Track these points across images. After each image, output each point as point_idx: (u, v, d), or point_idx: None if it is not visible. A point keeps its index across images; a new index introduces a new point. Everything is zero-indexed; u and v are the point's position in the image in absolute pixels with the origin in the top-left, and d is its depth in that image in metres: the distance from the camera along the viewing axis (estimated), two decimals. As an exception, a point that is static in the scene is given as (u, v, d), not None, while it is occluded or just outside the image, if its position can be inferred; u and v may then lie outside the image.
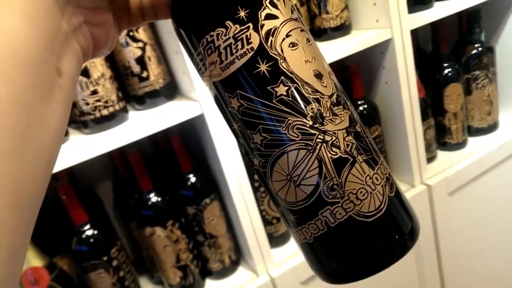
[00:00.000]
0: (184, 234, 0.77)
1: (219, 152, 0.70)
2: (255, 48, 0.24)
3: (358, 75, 0.87)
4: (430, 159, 1.01)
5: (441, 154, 1.05)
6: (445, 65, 0.99)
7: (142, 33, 0.70)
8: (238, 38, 0.24)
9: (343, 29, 0.84)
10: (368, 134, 0.28)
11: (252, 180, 0.75)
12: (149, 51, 0.71)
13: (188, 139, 0.78)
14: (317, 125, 0.25)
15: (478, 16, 0.97)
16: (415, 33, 0.96)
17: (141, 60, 0.71)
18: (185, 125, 0.70)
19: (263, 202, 0.82)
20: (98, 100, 0.66)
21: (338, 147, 0.25)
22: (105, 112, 0.66)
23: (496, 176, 1.02)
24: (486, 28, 1.02)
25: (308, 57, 0.25)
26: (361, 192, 0.25)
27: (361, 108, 0.89)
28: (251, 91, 0.25)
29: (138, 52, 0.70)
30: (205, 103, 0.67)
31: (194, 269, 0.80)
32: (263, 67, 0.25)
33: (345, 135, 0.25)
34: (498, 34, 1.05)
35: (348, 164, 0.25)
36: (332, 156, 0.25)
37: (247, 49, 0.24)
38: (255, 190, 0.78)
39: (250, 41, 0.24)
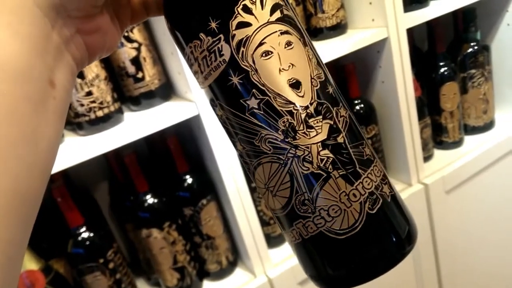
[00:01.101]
0: (181, 235, 0.77)
1: (215, 152, 0.70)
2: (227, 60, 0.24)
3: (354, 75, 0.87)
4: (427, 158, 1.01)
5: (438, 153, 1.05)
6: (441, 64, 0.99)
7: (137, 34, 0.70)
8: (211, 50, 0.24)
9: (339, 29, 0.84)
10: (359, 142, 0.25)
11: (249, 181, 0.75)
12: (144, 52, 0.70)
13: (184, 140, 0.78)
14: (289, 139, 0.24)
15: (474, 14, 0.97)
16: (411, 32, 0.96)
17: (136, 61, 0.70)
18: (181, 126, 0.69)
19: (260, 203, 0.82)
20: (93, 102, 0.65)
21: (311, 162, 0.24)
22: (100, 113, 0.66)
23: (493, 174, 1.03)
24: (481, 26, 1.02)
25: (284, 65, 0.24)
26: (333, 209, 0.24)
27: (357, 107, 0.89)
28: (226, 103, 0.25)
29: (133, 53, 0.70)
30: (201, 103, 0.67)
31: (192, 270, 0.80)
32: (235, 80, 0.24)
33: (320, 149, 0.24)
34: (493, 33, 1.06)
35: (321, 180, 0.24)
36: (303, 172, 0.24)
37: (220, 61, 0.24)
38: (252, 190, 0.78)
39: (222, 53, 0.24)
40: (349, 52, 0.78)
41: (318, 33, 0.84)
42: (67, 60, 0.22)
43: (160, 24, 0.69)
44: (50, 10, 0.20)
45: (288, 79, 0.24)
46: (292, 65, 0.24)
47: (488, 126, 1.07)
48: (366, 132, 0.90)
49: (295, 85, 0.24)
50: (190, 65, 0.26)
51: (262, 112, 0.24)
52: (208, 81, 0.25)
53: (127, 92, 0.73)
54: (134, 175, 0.73)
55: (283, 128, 0.24)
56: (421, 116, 0.95)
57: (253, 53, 0.23)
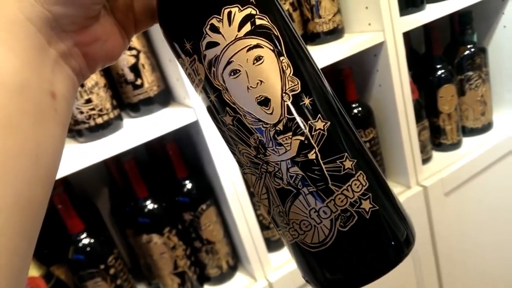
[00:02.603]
0: (181, 240, 0.77)
1: (214, 158, 0.70)
2: (203, 79, 0.25)
3: (351, 78, 0.88)
4: (425, 160, 1.01)
5: (436, 155, 1.05)
6: (438, 66, 0.99)
7: (135, 41, 0.70)
8: (191, 69, 0.25)
9: (336, 33, 0.84)
10: (334, 158, 0.24)
11: (248, 185, 0.76)
12: (142, 59, 0.71)
13: (183, 146, 0.78)
14: (260, 155, 0.24)
15: (470, 17, 0.98)
16: (407, 35, 0.97)
17: (135, 68, 0.71)
18: (180, 131, 0.70)
19: (260, 207, 0.83)
20: (93, 109, 0.66)
21: (281, 179, 0.24)
22: (99, 120, 0.66)
23: (492, 176, 1.03)
24: (478, 29, 1.03)
25: (252, 83, 0.23)
26: (304, 224, 0.24)
27: (355, 111, 0.90)
28: (211, 116, 0.27)
29: (132, 60, 0.70)
30: (200, 109, 0.67)
31: (192, 275, 0.80)
32: (212, 97, 0.25)
33: (290, 166, 0.24)
34: (490, 35, 1.06)
35: (291, 195, 0.24)
36: (275, 187, 0.25)
37: (198, 79, 0.25)
38: (251, 195, 0.78)
39: (198, 72, 0.25)
40: (346, 56, 0.79)
41: (315, 38, 0.85)
42: (67, 71, 0.22)
43: (158, 31, 0.69)
44: (43, 25, 0.20)
45: (256, 97, 0.23)
46: (261, 81, 0.23)
47: (486, 127, 1.08)
48: (364, 135, 0.90)
49: (264, 102, 0.23)
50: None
51: (235, 129, 0.25)
52: (197, 94, 0.27)
53: (126, 99, 0.74)
54: (134, 181, 0.73)
55: (254, 145, 0.24)
56: (419, 119, 0.96)
57: (222, 72, 0.24)
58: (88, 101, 0.65)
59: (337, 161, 0.24)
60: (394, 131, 0.90)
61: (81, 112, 0.65)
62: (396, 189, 0.95)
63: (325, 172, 0.24)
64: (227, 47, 0.23)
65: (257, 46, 0.23)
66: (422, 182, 0.95)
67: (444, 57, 1.00)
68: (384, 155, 0.96)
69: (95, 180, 0.88)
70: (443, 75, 0.99)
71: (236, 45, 0.23)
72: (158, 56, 0.75)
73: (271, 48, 0.24)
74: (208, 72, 0.24)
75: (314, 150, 0.23)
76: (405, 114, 0.88)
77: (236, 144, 0.25)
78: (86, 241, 0.70)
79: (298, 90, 0.24)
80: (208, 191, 0.78)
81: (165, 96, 0.75)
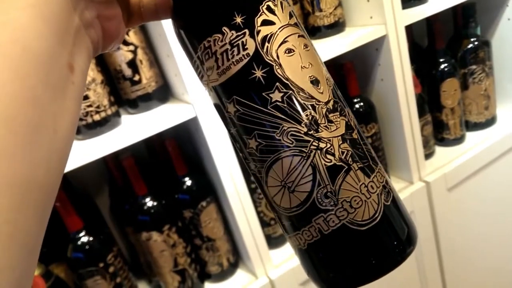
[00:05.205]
0: (181, 238, 0.77)
1: (214, 154, 0.69)
2: (250, 54, 0.24)
3: (353, 73, 0.86)
4: (428, 155, 1.00)
5: (439, 150, 1.04)
6: (441, 60, 0.98)
7: (133, 36, 0.69)
8: (234, 44, 0.25)
9: (337, 27, 0.83)
10: (366, 141, 0.27)
11: (248, 182, 0.75)
12: (140, 54, 0.70)
13: (183, 143, 0.77)
14: (312, 132, 0.24)
15: (473, 10, 0.96)
16: (410, 28, 0.96)
17: (132, 64, 0.70)
18: (179, 128, 0.69)
19: (261, 204, 0.82)
20: (90, 106, 0.65)
21: (333, 154, 0.25)
22: (97, 117, 0.66)
23: (495, 171, 1.02)
24: (481, 21, 1.01)
25: (305, 63, 0.25)
26: (355, 201, 0.25)
27: (357, 106, 0.88)
28: (246, 97, 0.25)
29: (130, 56, 0.69)
30: (198, 105, 0.67)
31: (193, 273, 0.79)
32: (258, 73, 0.25)
33: (341, 142, 0.25)
34: (493, 28, 1.05)
35: (343, 171, 0.25)
36: (326, 164, 0.24)
37: (243, 55, 0.25)
38: (252, 191, 0.77)
39: (246, 47, 0.24)
40: (348, 50, 0.77)
41: (316, 31, 0.84)
42: (86, 43, 0.22)
43: (156, 26, 0.68)
44: None
45: (309, 76, 0.25)
46: (311, 64, 0.26)
47: (490, 122, 1.06)
48: (366, 130, 0.89)
49: (315, 82, 0.25)
50: (201, 62, 0.26)
51: (285, 105, 0.24)
52: (225, 76, 0.25)
53: (124, 95, 0.73)
54: (133, 178, 0.73)
55: (306, 121, 0.24)
56: (421, 113, 0.94)
57: (277, 49, 0.25)
58: (85, 97, 0.64)
59: (368, 145, 0.27)
60: (396, 126, 0.89)
61: (78, 109, 0.64)
62: (398, 184, 0.94)
63: (365, 151, 0.26)
64: (282, 28, 0.25)
65: (303, 36, 0.26)
66: (424, 178, 0.94)
67: (447, 50, 0.99)
68: (386, 150, 0.95)
69: (94, 177, 0.87)
70: (446, 69, 0.98)
71: (289, 29, 0.25)
72: (155, 51, 0.74)
73: (310, 43, 0.27)
74: (261, 47, 0.24)
75: (355, 131, 0.26)
76: (407, 109, 0.87)
77: (280, 123, 0.25)
78: (85, 239, 0.69)
79: (333, 81, 0.27)
80: (208, 188, 0.78)
81: (164, 92, 0.74)
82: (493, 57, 1.02)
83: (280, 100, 0.24)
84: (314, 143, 0.24)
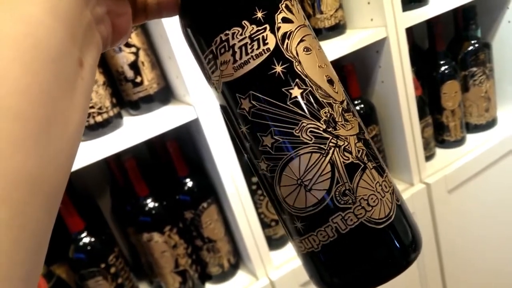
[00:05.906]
0: (182, 239, 0.77)
1: (215, 155, 0.70)
2: (271, 49, 0.24)
3: (354, 75, 0.87)
4: (429, 157, 1.01)
5: (440, 152, 1.04)
6: (442, 62, 0.98)
7: (134, 38, 0.70)
8: (255, 38, 0.24)
9: (337, 29, 0.83)
10: (373, 143, 0.28)
11: (249, 183, 0.75)
12: (142, 56, 0.70)
13: (184, 144, 0.78)
14: (330, 129, 0.25)
15: (474, 12, 0.96)
16: (410, 30, 0.96)
17: (134, 65, 0.70)
18: (180, 129, 0.69)
19: (261, 205, 0.82)
20: (92, 107, 0.65)
21: (350, 152, 0.25)
22: (99, 118, 0.66)
23: (496, 173, 1.02)
24: (482, 24, 1.01)
25: (321, 63, 0.26)
26: (372, 198, 0.25)
27: (357, 107, 0.89)
28: (264, 92, 0.25)
29: (131, 57, 0.70)
30: (200, 107, 0.67)
31: (193, 274, 0.80)
32: (278, 69, 0.25)
33: (356, 141, 0.25)
34: (494, 30, 1.05)
35: (360, 169, 0.25)
36: (345, 161, 0.25)
37: (263, 49, 0.24)
38: (253, 193, 0.78)
39: (266, 42, 0.24)
40: (349, 52, 0.78)
41: (317, 34, 0.84)
42: (96, 38, 0.22)
43: (157, 28, 0.68)
44: None
45: (325, 75, 0.26)
46: (326, 64, 0.26)
47: (490, 124, 1.06)
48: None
49: (331, 81, 0.26)
50: (215, 57, 0.25)
51: (305, 102, 0.25)
52: (242, 70, 0.25)
53: (126, 97, 0.73)
54: (134, 179, 0.73)
55: (325, 118, 0.25)
56: (422, 115, 0.95)
57: (296, 46, 0.25)
58: (87, 99, 0.65)
59: (376, 148, 0.28)
60: (397, 128, 0.90)
61: (81, 110, 0.65)
62: (399, 186, 0.95)
63: (376, 151, 0.27)
64: (299, 27, 0.25)
65: (316, 38, 0.27)
66: (425, 179, 0.94)
67: (448, 52, 0.99)
68: (387, 152, 0.96)
69: (96, 178, 0.87)
70: (446, 71, 0.98)
71: (305, 29, 0.26)
72: (157, 53, 0.74)
73: (320, 45, 0.27)
74: (281, 43, 0.25)
75: (366, 132, 0.27)
76: (408, 111, 0.87)
77: (299, 120, 0.24)
78: (86, 239, 0.70)
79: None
80: (209, 189, 0.78)
81: (165, 94, 0.75)
82: (493, 59, 1.03)
83: (299, 96, 0.24)
84: (333, 140, 0.25)
